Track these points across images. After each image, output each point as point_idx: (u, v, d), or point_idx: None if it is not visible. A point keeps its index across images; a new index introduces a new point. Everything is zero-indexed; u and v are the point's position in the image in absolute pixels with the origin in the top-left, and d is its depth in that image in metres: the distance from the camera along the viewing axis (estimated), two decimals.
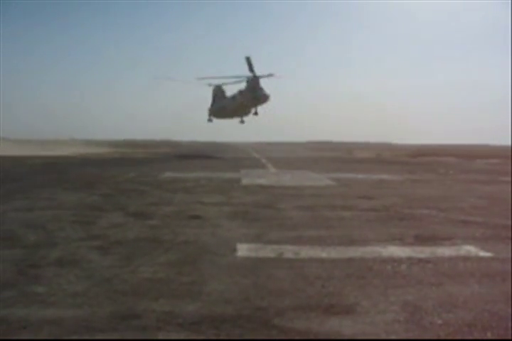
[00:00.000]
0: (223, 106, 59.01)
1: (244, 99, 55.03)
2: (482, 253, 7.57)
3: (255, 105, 55.26)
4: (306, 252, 7.54)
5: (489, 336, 4.41)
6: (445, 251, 7.73)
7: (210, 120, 62.58)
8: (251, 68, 53.30)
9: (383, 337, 4.39)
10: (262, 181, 20.13)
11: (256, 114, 56.12)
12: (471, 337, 4.39)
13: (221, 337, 4.34)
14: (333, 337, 4.39)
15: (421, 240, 8.50)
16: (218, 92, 60.77)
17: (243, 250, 7.62)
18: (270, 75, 53.74)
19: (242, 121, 59.74)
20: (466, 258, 7.21)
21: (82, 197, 14.13)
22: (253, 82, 54.05)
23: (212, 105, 61.89)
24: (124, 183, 18.49)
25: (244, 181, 19.91)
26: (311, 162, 39.20)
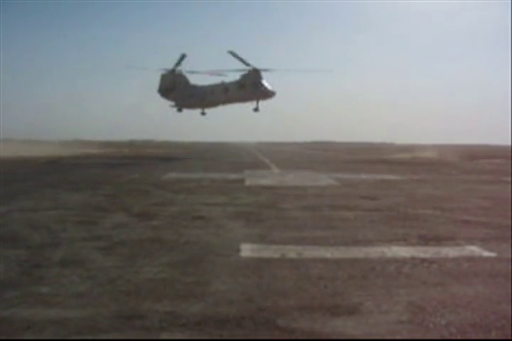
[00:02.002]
0: (202, 97, 53.42)
1: (244, 93, 50.76)
2: (486, 254, 7.54)
3: (257, 100, 51.31)
4: (310, 252, 7.53)
5: (493, 336, 4.40)
6: (449, 251, 7.71)
7: (179, 110, 56.09)
8: (244, 61, 49.18)
9: (387, 337, 4.38)
10: (266, 182, 20.13)
11: (257, 110, 52.22)
12: (475, 338, 4.37)
13: (224, 337, 4.34)
14: (336, 337, 4.39)
15: (425, 240, 8.48)
16: (180, 79, 54.12)
17: (247, 250, 7.62)
18: (266, 70, 50.31)
19: (204, 113, 55.79)
20: (469, 259, 7.19)
21: (85, 197, 14.16)
22: (255, 76, 49.99)
23: (163, 91, 54.85)
24: (127, 184, 18.51)
25: (248, 182, 19.92)
26: (315, 162, 39.15)
